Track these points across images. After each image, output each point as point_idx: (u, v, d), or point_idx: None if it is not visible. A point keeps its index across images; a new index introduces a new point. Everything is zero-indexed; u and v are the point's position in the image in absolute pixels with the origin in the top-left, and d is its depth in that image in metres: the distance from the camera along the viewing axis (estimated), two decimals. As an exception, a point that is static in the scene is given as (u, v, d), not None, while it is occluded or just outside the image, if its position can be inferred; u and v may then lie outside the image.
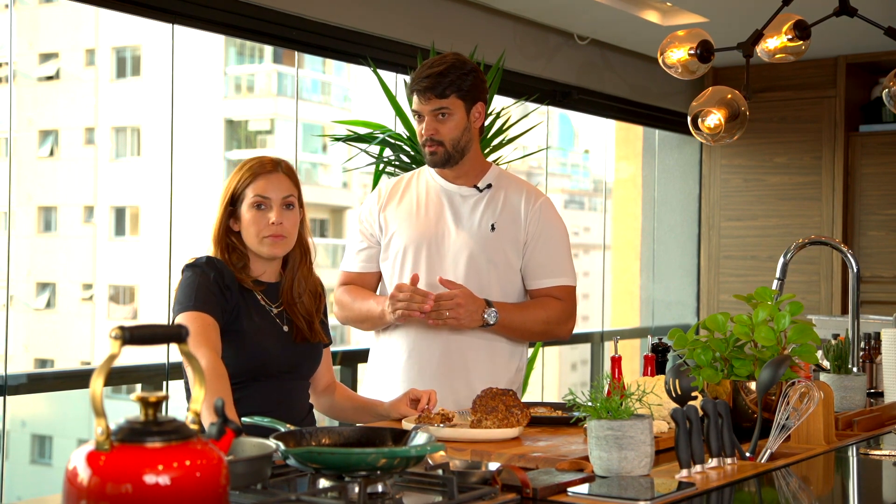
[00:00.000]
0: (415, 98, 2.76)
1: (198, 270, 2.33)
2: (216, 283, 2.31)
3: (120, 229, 17.24)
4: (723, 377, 2.23)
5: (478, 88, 2.78)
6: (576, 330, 2.89)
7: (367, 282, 2.88)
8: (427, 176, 2.88)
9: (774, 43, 3.35)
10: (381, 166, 4.13)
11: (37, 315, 16.61)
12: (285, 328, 2.42)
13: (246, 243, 2.41)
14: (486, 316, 2.68)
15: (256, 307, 2.39)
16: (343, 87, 19.79)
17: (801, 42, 3.34)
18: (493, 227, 2.79)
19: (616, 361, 2.63)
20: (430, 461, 1.75)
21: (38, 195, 17.16)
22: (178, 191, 4.24)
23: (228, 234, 2.42)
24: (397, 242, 2.81)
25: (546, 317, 2.77)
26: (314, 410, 2.59)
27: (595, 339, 6.14)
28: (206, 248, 2.42)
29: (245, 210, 2.40)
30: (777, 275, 3.07)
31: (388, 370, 2.82)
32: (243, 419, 2.12)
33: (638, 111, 6.20)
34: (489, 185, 2.83)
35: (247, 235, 2.40)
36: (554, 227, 2.83)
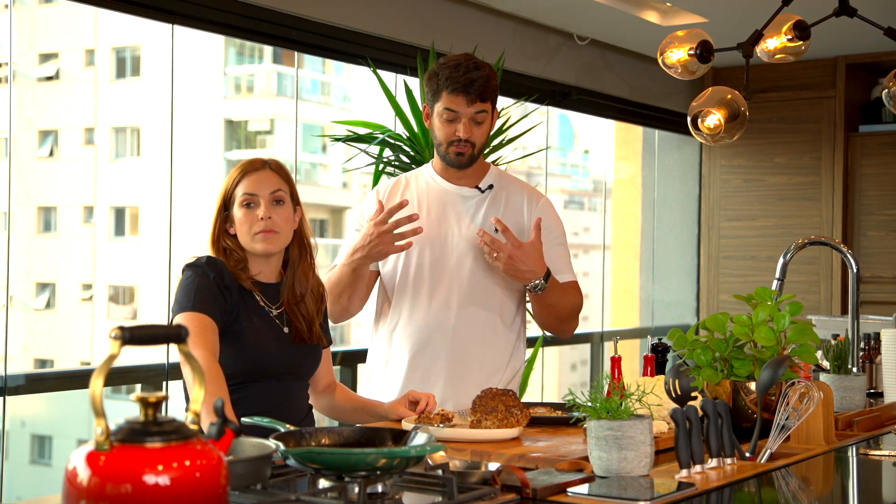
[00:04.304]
0: (451, 97, 2.69)
1: (198, 270, 2.33)
2: (216, 284, 2.31)
3: (120, 229, 17.24)
4: (722, 377, 2.23)
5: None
6: (576, 330, 2.89)
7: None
8: (427, 176, 2.87)
9: (774, 43, 3.35)
10: (381, 166, 4.13)
11: (36, 315, 16.62)
12: (285, 329, 2.42)
13: (242, 243, 2.41)
14: (536, 281, 2.65)
15: (256, 308, 2.38)
16: (343, 87, 19.80)
17: (801, 42, 3.34)
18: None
19: (616, 361, 2.63)
20: (429, 461, 1.75)
21: (38, 195, 17.17)
22: (177, 191, 4.23)
23: (225, 237, 2.42)
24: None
25: (574, 303, 2.78)
26: (313, 411, 2.58)
27: (595, 340, 6.14)
28: (204, 250, 2.43)
29: (236, 210, 2.40)
30: (777, 275, 3.07)
31: (392, 370, 2.81)
32: (243, 419, 2.11)
33: (638, 111, 6.20)
34: (490, 186, 2.84)
35: (241, 235, 2.40)
36: (556, 227, 2.84)
